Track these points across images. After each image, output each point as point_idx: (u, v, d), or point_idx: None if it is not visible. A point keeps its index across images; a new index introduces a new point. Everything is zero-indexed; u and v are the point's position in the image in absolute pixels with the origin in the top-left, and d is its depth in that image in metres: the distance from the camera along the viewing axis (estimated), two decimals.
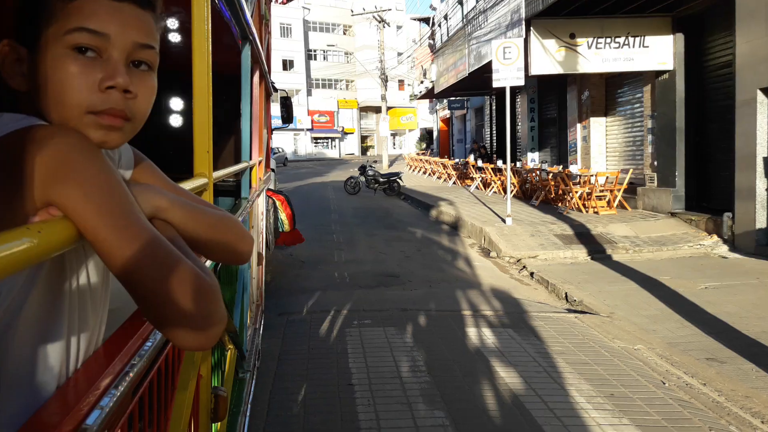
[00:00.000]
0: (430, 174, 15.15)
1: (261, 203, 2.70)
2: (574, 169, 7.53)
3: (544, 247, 5.29)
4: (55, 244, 0.38)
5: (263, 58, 2.31)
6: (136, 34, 0.54)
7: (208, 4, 0.92)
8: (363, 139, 42.94)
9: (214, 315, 0.45)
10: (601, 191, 6.86)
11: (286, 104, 5.70)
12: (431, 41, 22.86)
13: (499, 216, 6.69)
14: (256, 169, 2.23)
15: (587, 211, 6.81)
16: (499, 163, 9.31)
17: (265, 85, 2.79)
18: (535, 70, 6.80)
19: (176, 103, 2.95)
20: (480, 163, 10.38)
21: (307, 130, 36.88)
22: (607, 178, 7.14)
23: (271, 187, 4.96)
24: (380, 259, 5.06)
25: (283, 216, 4.62)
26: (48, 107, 0.51)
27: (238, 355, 1.60)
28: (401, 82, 42.46)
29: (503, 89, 6.45)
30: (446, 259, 5.24)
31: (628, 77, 7.73)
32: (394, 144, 43.74)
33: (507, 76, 6.21)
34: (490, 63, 7.35)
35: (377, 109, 41.56)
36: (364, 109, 41.69)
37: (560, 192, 7.44)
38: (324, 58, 39.55)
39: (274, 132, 5.91)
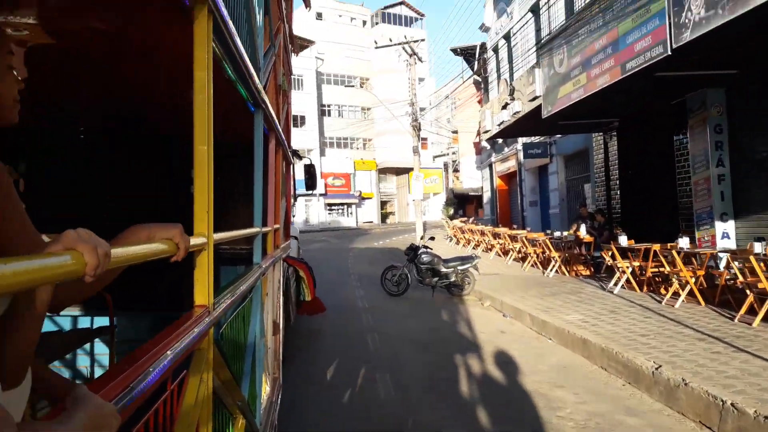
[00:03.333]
0: (499, 253, 14.64)
1: (277, 271, 3.45)
2: None
3: None
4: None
5: (279, 126, 2.95)
6: None
7: (210, 69, 1.42)
8: (382, 204, 49.37)
9: None
10: None
11: (310, 171, 7.87)
12: (477, 77, 24.53)
13: None
14: (271, 237, 2.88)
15: None
16: (682, 242, 7.45)
17: (283, 153, 3.48)
18: None
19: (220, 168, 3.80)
20: (624, 241, 8.51)
21: (320, 195, 40.42)
22: None
23: (293, 255, 6.67)
24: None
25: (303, 285, 6.05)
26: None
27: (252, 428, 2.01)
28: (424, 141, 46.40)
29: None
30: None
31: None
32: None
33: None
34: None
35: (398, 171, 48.96)
36: (383, 171, 48.70)
37: None
38: (339, 115, 46.78)
39: (298, 198, 8.07)
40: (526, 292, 8.79)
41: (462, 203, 43.65)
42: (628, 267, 8.22)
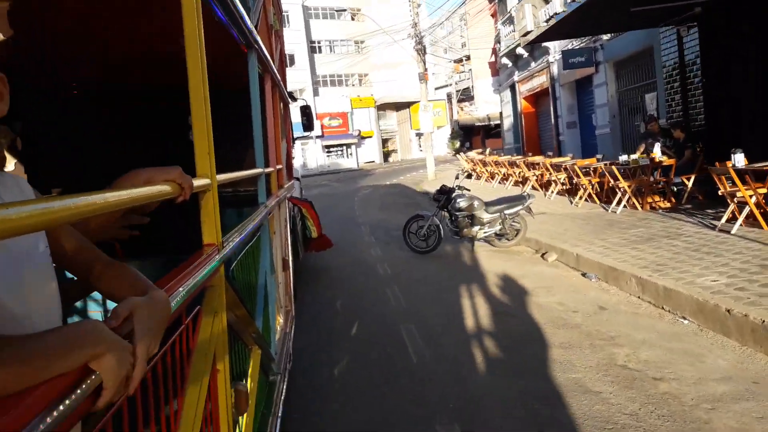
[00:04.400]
0: (536, 187, 14.81)
1: (283, 210, 4.22)
2: None
3: None
4: None
5: (273, 67, 3.40)
6: None
7: (199, 10, 1.75)
8: (383, 142, 54.28)
9: None
10: None
11: (306, 112, 9.18)
12: None
13: None
14: (275, 177, 3.50)
15: None
16: None
17: (280, 94, 3.97)
18: None
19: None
20: (741, 160, 7.66)
21: (317, 137, 45.15)
22: None
23: (297, 195, 7.74)
24: None
25: (309, 222, 6.97)
26: None
27: (267, 358, 2.55)
28: (424, 72, 49.38)
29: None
30: None
31: None
32: (420, 146, 52.91)
33: None
34: None
35: (398, 106, 52.99)
36: (382, 107, 52.96)
37: None
38: (331, 50, 51.43)
39: (296, 141, 9.23)
40: (603, 238, 7.99)
41: (468, 135, 46.96)
42: (751, 196, 7.25)
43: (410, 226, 9.41)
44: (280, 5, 5.79)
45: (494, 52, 28.99)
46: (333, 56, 50.12)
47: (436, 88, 51.28)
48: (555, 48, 19.67)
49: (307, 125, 9.09)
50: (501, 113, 29.32)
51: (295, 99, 8.78)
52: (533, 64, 22.47)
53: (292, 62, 44.78)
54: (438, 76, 51.14)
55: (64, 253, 1.25)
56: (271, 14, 4.14)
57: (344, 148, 50.08)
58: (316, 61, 49.23)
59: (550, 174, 13.89)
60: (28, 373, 0.77)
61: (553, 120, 21.46)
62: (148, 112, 4.72)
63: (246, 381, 2.27)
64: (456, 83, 48.10)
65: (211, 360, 1.66)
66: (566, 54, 18.03)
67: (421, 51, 23.98)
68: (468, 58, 43.48)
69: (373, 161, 51.63)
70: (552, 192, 13.55)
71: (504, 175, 17.65)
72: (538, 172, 14.98)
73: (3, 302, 0.97)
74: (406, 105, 51.57)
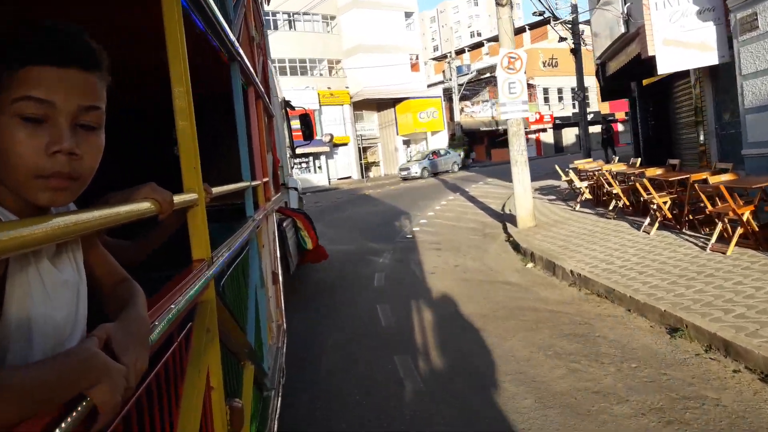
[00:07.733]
0: None
1: (271, 224, 4.29)
2: None
3: None
4: None
5: (257, 79, 3.39)
6: (80, 98, 0.92)
7: (180, 23, 1.73)
8: (361, 152, 41.04)
9: None
10: None
11: (306, 121, 9.29)
12: None
13: None
14: (261, 189, 3.49)
15: None
16: None
17: (264, 106, 3.97)
18: None
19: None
20: None
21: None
22: None
23: (294, 206, 7.86)
24: None
25: (304, 233, 7.02)
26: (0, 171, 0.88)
27: (260, 374, 2.53)
28: (414, 59, 41.99)
29: None
30: None
31: None
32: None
33: None
34: None
35: (379, 104, 42.18)
36: (360, 105, 40.82)
37: None
38: (291, 27, 38.47)
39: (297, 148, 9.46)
40: None
41: (469, 143, 39.85)
42: None
43: None
44: (261, 17, 5.89)
45: None
46: (294, 35, 38.14)
47: (429, 85, 43.61)
48: None
49: (308, 134, 9.21)
50: (726, 68, 9.98)
51: (293, 107, 8.68)
52: None
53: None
54: (428, 68, 42.99)
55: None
56: (252, 26, 4.22)
57: (311, 158, 38.07)
58: (272, 40, 32.47)
59: None
60: (23, 407, 0.72)
61: None
62: (131, 128, 4.73)
63: (240, 397, 2.24)
64: (458, 76, 39.97)
65: (204, 377, 1.64)
66: None
67: None
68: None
69: (349, 177, 40.12)
70: None
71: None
72: None
73: (60, 325, 0.99)
74: (391, 103, 41.01)
